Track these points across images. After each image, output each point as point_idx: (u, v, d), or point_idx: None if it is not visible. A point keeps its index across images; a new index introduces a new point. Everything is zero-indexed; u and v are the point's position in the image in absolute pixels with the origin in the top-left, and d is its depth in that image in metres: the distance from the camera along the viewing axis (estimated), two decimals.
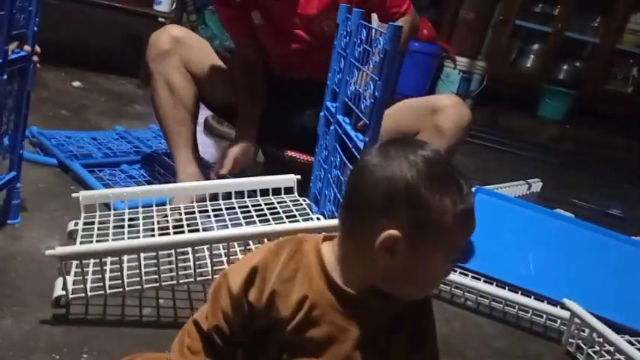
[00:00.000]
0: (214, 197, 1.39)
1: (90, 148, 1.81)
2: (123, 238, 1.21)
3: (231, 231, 1.16)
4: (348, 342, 0.70)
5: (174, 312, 1.13)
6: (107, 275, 1.07)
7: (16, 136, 1.26)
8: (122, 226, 1.27)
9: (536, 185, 2.09)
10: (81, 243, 1.19)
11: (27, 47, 1.20)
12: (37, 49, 1.23)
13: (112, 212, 1.33)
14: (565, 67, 4.35)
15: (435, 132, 1.34)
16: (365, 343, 0.70)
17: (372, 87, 0.99)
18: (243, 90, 1.55)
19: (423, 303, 0.75)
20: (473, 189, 1.73)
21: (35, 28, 1.21)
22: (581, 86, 4.18)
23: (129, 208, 1.33)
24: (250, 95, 1.55)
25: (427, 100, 1.49)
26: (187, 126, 1.53)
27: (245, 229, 1.16)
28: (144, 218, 1.30)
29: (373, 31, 1.04)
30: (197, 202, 1.39)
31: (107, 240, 1.21)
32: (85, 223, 1.28)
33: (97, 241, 1.20)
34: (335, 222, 1.07)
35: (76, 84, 2.61)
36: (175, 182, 1.50)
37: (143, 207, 1.33)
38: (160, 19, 2.79)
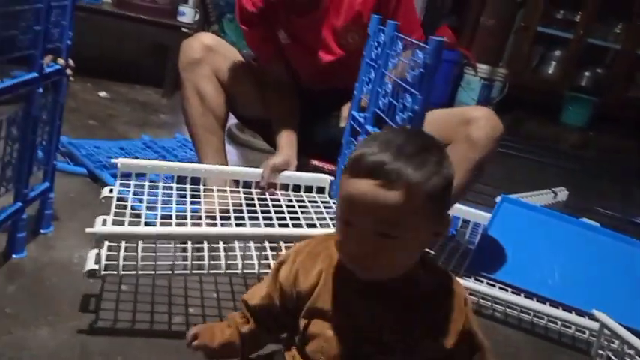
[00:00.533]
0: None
1: (118, 157, 1.83)
2: (156, 212, 1.23)
3: (277, 230, 1.19)
4: (361, 314, 0.74)
5: (203, 320, 1.14)
6: (140, 254, 1.08)
7: (50, 148, 1.29)
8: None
9: (562, 194, 2.07)
10: (115, 214, 1.18)
11: (61, 61, 1.23)
12: (71, 62, 1.26)
13: (147, 184, 1.34)
14: (587, 73, 4.30)
15: (467, 143, 1.33)
16: (375, 317, 0.74)
17: (408, 99, 0.99)
18: (278, 110, 1.56)
19: (434, 297, 0.76)
20: (498, 198, 1.72)
21: (69, 42, 1.24)
22: (603, 93, 4.14)
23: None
24: (285, 114, 1.55)
25: (459, 111, 1.48)
26: (217, 135, 1.54)
27: (286, 230, 1.18)
28: (178, 196, 1.32)
29: (410, 44, 1.04)
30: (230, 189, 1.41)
31: (140, 212, 1.23)
32: (119, 192, 1.28)
33: (130, 213, 1.20)
34: None
35: (103, 94, 2.66)
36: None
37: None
38: (184, 30, 2.83)
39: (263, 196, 1.38)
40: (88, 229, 1.04)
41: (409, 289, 0.74)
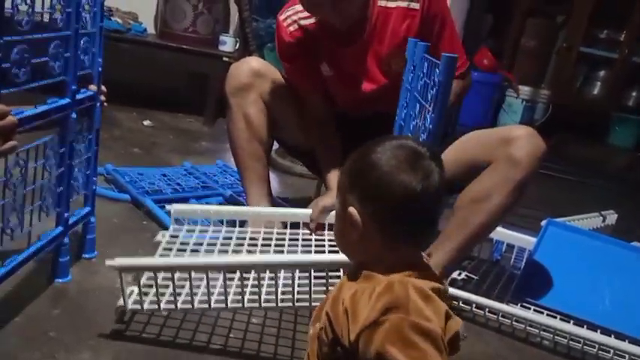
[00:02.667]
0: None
1: (160, 184, 1.87)
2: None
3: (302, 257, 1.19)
4: None
5: (242, 345, 1.14)
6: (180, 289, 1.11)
7: (88, 173, 1.31)
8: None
9: (611, 217, 1.99)
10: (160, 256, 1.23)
11: (92, 87, 1.26)
12: (103, 88, 1.29)
13: (198, 227, 1.38)
14: (634, 93, 4.19)
15: (509, 162, 1.29)
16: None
17: (428, 120, 0.98)
18: (320, 144, 1.56)
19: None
20: (544, 222, 1.67)
21: (99, 69, 1.26)
22: None
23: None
24: (328, 148, 1.54)
25: (499, 130, 1.44)
26: (261, 161, 1.55)
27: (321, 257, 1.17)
28: (223, 238, 1.35)
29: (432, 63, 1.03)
30: (271, 230, 1.41)
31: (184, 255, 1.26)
32: (171, 236, 1.34)
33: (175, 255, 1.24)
34: None
35: (147, 123, 2.73)
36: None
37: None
38: (225, 59, 2.89)
39: (308, 237, 1.38)
40: (107, 262, 1.07)
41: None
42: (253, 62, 1.57)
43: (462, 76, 1.52)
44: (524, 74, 3.95)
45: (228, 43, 2.95)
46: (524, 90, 3.85)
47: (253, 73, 1.53)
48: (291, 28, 1.49)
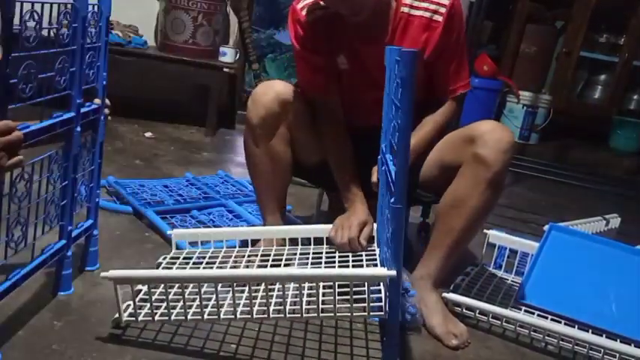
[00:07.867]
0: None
1: (162, 195, 1.87)
2: None
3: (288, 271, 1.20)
4: None
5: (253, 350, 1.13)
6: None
7: (92, 185, 1.32)
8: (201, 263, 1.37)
9: (615, 221, 1.98)
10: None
11: (97, 100, 1.26)
12: (107, 101, 1.30)
13: (198, 250, 1.41)
14: (635, 97, 4.19)
15: (476, 162, 1.25)
16: None
17: (398, 117, 0.98)
18: (333, 152, 1.47)
19: None
20: (546, 226, 1.67)
21: (104, 82, 1.26)
22: None
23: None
24: (347, 159, 1.46)
25: (464, 129, 1.37)
26: (281, 192, 1.51)
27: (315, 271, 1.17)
28: (223, 257, 1.37)
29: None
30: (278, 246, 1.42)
31: None
32: (171, 258, 1.38)
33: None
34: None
35: (148, 134, 2.74)
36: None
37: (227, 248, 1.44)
38: (225, 70, 2.91)
39: (306, 253, 1.38)
40: (102, 274, 1.12)
41: None
42: (279, 86, 1.42)
43: (460, 98, 1.46)
44: (524, 80, 3.95)
45: (228, 54, 2.96)
46: (525, 95, 3.85)
47: (280, 101, 1.40)
48: (308, 17, 1.40)
